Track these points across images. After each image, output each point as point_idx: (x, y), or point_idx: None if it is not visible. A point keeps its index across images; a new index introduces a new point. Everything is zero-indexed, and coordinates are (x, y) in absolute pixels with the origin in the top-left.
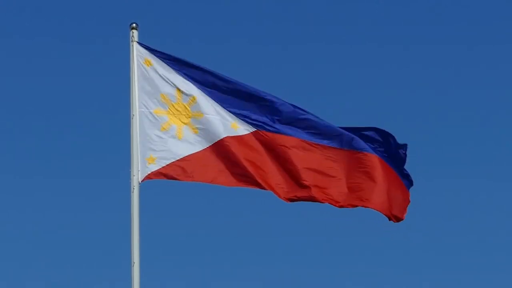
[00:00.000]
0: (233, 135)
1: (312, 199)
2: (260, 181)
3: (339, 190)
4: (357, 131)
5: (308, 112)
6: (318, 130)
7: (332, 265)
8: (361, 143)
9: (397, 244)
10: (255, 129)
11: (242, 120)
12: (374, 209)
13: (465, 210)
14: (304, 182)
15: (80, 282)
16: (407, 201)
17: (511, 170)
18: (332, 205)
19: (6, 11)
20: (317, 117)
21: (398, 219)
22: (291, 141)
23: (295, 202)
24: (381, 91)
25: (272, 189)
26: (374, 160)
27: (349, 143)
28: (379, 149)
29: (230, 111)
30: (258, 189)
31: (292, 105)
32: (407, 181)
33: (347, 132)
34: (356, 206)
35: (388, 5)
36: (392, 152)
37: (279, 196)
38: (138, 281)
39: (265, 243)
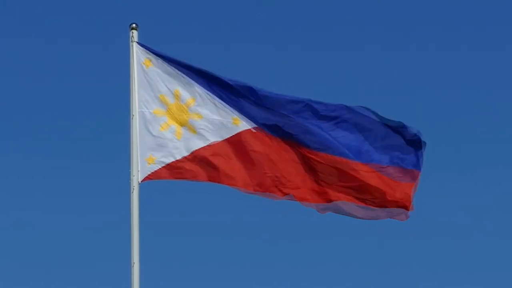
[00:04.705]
0: (232, 134)
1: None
2: (252, 183)
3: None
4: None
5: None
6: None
7: (331, 265)
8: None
9: (397, 244)
10: (255, 126)
11: (243, 116)
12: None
13: (465, 211)
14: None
15: (80, 282)
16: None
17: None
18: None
19: (6, 11)
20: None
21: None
22: (289, 144)
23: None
24: (381, 92)
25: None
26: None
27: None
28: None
29: (231, 107)
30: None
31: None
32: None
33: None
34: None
35: (389, 6)
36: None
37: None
38: (138, 281)
39: (265, 243)
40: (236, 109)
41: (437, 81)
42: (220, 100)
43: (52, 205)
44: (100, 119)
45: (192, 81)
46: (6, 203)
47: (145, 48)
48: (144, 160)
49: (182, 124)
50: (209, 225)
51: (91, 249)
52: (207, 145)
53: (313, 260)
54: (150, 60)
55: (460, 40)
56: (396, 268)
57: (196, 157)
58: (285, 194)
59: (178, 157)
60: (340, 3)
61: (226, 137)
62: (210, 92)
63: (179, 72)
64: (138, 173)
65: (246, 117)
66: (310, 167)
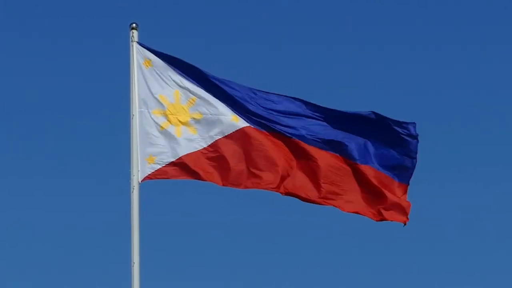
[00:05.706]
0: (232, 131)
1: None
2: (251, 180)
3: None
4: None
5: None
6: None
7: (331, 265)
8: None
9: (397, 245)
10: (249, 125)
11: (240, 115)
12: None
13: (465, 211)
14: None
15: (80, 282)
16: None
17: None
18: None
19: (6, 11)
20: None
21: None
22: (284, 140)
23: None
24: (381, 92)
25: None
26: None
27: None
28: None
29: (229, 107)
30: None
31: (296, 100)
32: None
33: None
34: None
35: (387, 5)
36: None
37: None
38: (138, 281)
39: (265, 243)
40: (234, 109)
41: (437, 81)
42: (219, 100)
43: (52, 205)
44: (100, 119)
45: (192, 81)
46: (6, 203)
47: (145, 48)
48: (144, 160)
49: (182, 124)
50: (209, 225)
51: (91, 249)
52: (207, 144)
53: (313, 260)
54: (150, 61)
55: (460, 40)
56: (396, 268)
57: (196, 157)
58: (284, 190)
59: (178, 157)
60: (339, 1)
61: (226, 134)
62: (210, 92)
63: (179, 73)
64: (138, 173)
65: (243, 117)
66: (311, 166)
